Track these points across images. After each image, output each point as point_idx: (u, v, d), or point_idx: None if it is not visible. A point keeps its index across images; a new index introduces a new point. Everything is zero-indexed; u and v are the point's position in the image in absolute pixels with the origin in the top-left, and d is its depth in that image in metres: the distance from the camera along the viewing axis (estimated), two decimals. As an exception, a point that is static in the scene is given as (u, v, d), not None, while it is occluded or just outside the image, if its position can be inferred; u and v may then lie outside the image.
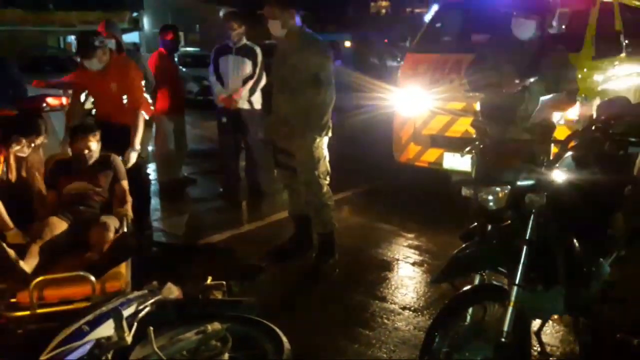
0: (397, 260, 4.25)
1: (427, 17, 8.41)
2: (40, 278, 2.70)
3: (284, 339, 2.46)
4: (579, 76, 4.80)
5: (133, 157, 3.97)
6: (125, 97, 4.18)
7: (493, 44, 4.20)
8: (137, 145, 4.03)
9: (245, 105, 5.46)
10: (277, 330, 2.51)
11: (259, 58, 5.44)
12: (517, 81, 3.68)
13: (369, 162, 7.00)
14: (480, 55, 4.13)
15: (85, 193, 3.45)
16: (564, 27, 6.88)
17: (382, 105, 6.70)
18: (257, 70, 5.43)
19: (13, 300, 2.71)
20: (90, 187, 3.48)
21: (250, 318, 2.60)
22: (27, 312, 2.66)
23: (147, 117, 4.54)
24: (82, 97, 4.34)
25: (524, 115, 3.68)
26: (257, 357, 2.46)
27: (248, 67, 5.40)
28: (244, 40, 5.43)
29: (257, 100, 5.54)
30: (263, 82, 5.49)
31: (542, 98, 3.65)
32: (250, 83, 5.40)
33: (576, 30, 5.18)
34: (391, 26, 24.08)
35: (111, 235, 3.22)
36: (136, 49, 10.60)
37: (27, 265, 2.90)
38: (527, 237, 2.31)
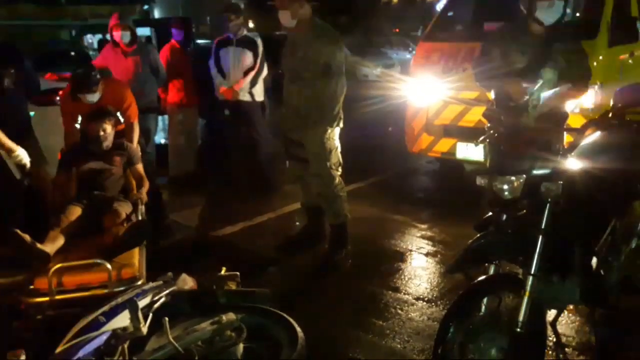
0: (411, 250, 4.24)
1: (439, 6, 8.35)
2: (59, 265, 2.75)
3: (298, 329, 2.46)
4: (594, 64, 4.74)
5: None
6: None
7: (502, 33, 4.13)
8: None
9: (246, 97, 5.43)
10: (291, 320, 2.52)
11: (260, 49, 5.39)
12: (524, 85, 3.60)
13: (382, 152, 6.99)
14: (487, 46, 4.07)
15: (101, 173, 3.56)
16: (578, 14, 6.78)
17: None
18: (258, 62, 5.38)
19: (32, 286, 2.75)
20: (107, 166, 3.59)
21: (264, 309, 2.60)
22: (46, 299, 2.71)
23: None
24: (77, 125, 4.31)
25: (536, 104, 3.63)
26: (271, 348, 2.47)
27: (249, 58, 5.35)
28: (244, 32, 5.40)
29: (258, 92, 5.49)
30: (264, 73, 5.45)
31: (545, 94, 3.57)
32: (252, 74, 5.35)
33: (591, 16, 5.09)
34: (403, 15, 23.89)
35: (122, 220, 3.31)
36: (148, 42, 10.62)
37: (48, 247, 2.96)
38: (542, 227, 2.29)
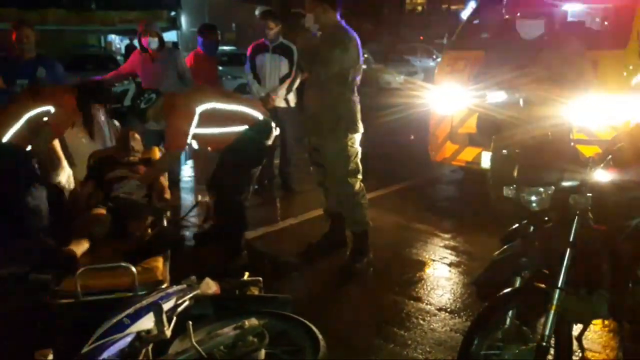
0: (433, 260, 4.21)
1: (464, 14, 8.31)
2: (85, 267, 2.78)
3: (320, 335, 2.46)
4: (624, 73, 4.66)
5: None
6: None
7: (498, 47, 4.11)
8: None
9: (282, 104, 5.50)
10: (313, 327, 2.52)
11: (296, 56, 5.46)
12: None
13: (404, 160, 6.96)
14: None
15: (126, 179, 3.66)
16: (606, 23, 6.66)
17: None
18: (294, 69, 5.46)
19: (58, 288, 2.80)
20: (131, 173, 3.70)
21: (286, 314, 2.61)
22: (72, 300, 2.74)
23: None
24: None
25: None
26: (293, 353, 2.47)
27: (285, 65, 5.43)
28: (281, 39, 5.45)
29: (293, 99, 5.57)
30: (299, 80, 5.52)
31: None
32: (288, 82, 5.43)
33: (621, 26, 5.01)
34: (427, 23, 23.83)
35: (147, 225, 3.38)
36: (175, 47, 10.81)
37: (74, 248, 3.02)
38: (570, 240, 2.25)
